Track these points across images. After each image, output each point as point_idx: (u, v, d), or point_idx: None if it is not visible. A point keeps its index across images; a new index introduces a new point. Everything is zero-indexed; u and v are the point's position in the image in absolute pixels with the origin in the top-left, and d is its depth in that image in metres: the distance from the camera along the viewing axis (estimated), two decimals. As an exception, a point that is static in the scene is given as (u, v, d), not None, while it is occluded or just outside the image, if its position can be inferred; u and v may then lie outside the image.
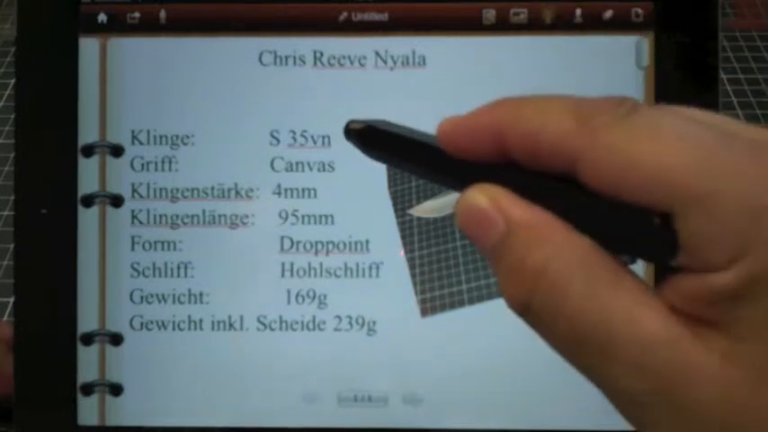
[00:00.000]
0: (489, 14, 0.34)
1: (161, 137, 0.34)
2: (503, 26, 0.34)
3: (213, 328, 0.34)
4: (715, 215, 0.15)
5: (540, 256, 0.17)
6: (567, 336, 0.17)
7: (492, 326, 0.34)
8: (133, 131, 0.34)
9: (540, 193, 0.18)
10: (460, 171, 0.19)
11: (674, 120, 0.17)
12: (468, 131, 0.19)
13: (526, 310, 0.18)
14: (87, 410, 0.34)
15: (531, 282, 0.17)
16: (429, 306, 0.34)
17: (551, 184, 0.18)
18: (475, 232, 0.18)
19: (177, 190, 0.34)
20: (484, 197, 0.18)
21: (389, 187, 0.34)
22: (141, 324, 0.34)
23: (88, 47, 0.34)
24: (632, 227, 0.17)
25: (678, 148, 0.16)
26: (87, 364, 0.34)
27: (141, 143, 0.34)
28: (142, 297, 0.34)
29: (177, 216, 0.34)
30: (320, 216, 0.34)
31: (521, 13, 0.34)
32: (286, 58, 0.34)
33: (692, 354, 0.16)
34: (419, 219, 0.34)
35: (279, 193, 0.34)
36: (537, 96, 0.19)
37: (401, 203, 0.34)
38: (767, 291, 0.15)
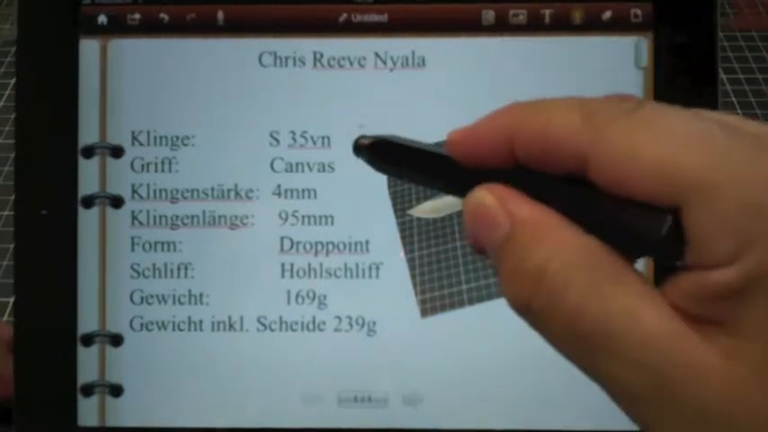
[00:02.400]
0: (488, 15, 0.34)
1: (161, 138, 0.34)
2: (502, 27, 0.34)
3: (213, 329, 0.34)
4: (718, 210, 0.15)
5: (541, 256, 0.17)
6: (567, 333, 0.17)
7: (492, 326, 0.34)
8: (133, 132, 0.34)
9: (547, 193, 0.18)
10: (471, 179, 0.19)
11: (679, 115, 0.17)
12: (477, 138, 0.19)
13: (527, 309, 0.18)
14: (87, 411, 0.34)
15: (531, 282, 0.17)
16: (429, 306, 0.34)
17: (558, 183, 0.18)
18: (481, 231, 0.19)
19: (177, 191, 0.34)
20: (490, 196, 0.18)
21: (389, 188, 0.34)
22: (141, 325, 0.34)
23: (88, 48, 0.34)
24: (640, 224, 0.17)
25: (682, 142, 0.16)
26: (87, 364, 0.34)
27: (141, 144, 0.34)
28: (142, 298, 0.34)
29: (177, 217, 0.34)
30: (320, 216, 0.34)
31: (520, 14, 0.34)
32: (286, 59, 0.34)
33: (693, 351, 0.16)
34: (419, 219, 0.34)
35: (279, 194, 0.34)
36: (543, 99, 0.19)
37: (401, 204, 0.34)
38: None
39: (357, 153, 0.21)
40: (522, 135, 0.18)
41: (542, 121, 0.18)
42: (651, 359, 0.16)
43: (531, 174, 0.18)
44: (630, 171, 0.16)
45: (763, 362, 0.15)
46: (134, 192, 0.34)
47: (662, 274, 0.17)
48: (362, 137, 0.21)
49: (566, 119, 0.18)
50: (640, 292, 0.17)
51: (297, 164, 0.34)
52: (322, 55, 0.34)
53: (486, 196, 0.18)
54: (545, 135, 0.18)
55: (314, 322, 0.34)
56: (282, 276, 0.34)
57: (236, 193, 0.34)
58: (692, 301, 0.16)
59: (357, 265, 0.34)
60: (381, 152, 0.21)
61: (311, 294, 0.34)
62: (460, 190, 0.20)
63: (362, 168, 0.34)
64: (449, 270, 0.34)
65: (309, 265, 0.34)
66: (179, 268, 0.34)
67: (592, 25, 0.34)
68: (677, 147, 0.16)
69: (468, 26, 0.34)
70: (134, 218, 0.34)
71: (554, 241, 0.17)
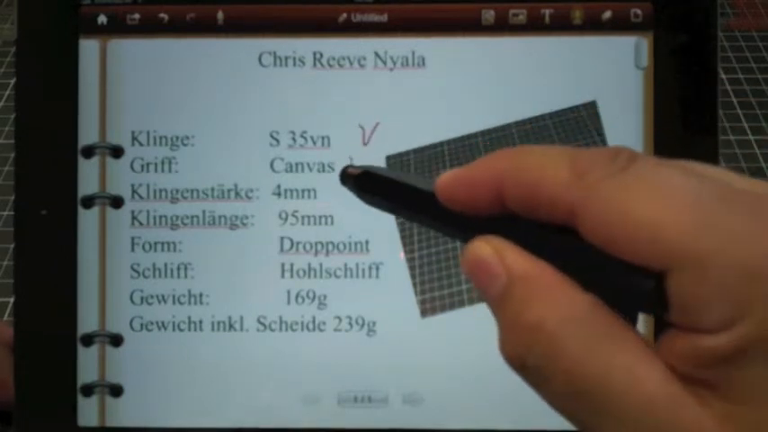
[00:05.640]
0: (488, 15, 0.34)
1: (161, 138, 0.34)
2: (502, 27, 0.34)
3: (213, 329, 0.34)
4: (709, 277, 0.15)
5: (537, 312, 0.17)
6: (564, 391, 0.17)
7: (492, 326, 0.33)
8: (133, 132, 0.34)
9: (539, 246, 0.18)
10: (460, 222, 0.19)
11: (672, 174, 0.17)
12: (466, 184, 0.19)
13: (523, 366, 0.17)
14: (87, 411, 0.34)
15: (527, 338, 0.17)
16: (429, 306, 0.34)
17: (550, 236, 0.18)
18: (480, 282, 0.18)
19: (177, 191, 0.34)
20: (489, 248, 0.18)
21: (389, 188, 0.34)
22: (141, 325, 0.34)
23: (88, 48, 0.34)
24: (626, 282, 0.16)
25: (674, 205, 0.16)
26: (87, 365, 0.34)
27: (141, 144, 0.34)
28: (142, 298, 0.34)
29: (177, 217, 0.34)
30: (320, 217, 0.34)
31: (520, 14, 0.34)
32: (286, 59, 0.34)
33: (689, 416, 0.16)
34: (419, 219, 0.34)
35: (279, 194, 0.34)
36: (535, 147, 0.19)
37: (401, 204, 0.34)
38: (764, 354, 0.15)
39: (344, 183, 0.21)
40: (512, 185, 0.18)
41: (533, 173, 0.18)
42: (650, 423, 0.16)
43: (520, 223, 0.18)
44: (619, 231, 0.16)
45: (757, 426, 0.15)
46: (134, 192, 0.34)
47: (659, 330, 0.17)
48: (350, 167, 0.21)
49: (556, 175, 0.18)
50: (638, 352, 0.16)
51: (297, 164, 0.34)
52: (322, 55, 0.34)
53: (484, 248, 0.18)
54: (535, 188, 0.18)
55: (314, 322, 0.34)
56: (282, 276, 0.34)
57: (236, 193, 0.34)
58: (686, 363, 0.16)
59: (357, 265, 0.34)
60: (368, 184, 0.21)
61: (311, 294, 0.34)
62: (448, 231, 0.20)
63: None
64: (449, 270, 0.34)
65: (309, 265, 0.34)
66: (179, 268, 0.34)
67: (592, 25, 0.34)
68: (666, 209, 0.16)
69: (469, 26, 0.34)
70: (134, 218, 0.34)
71: (551, 297, 0.17)
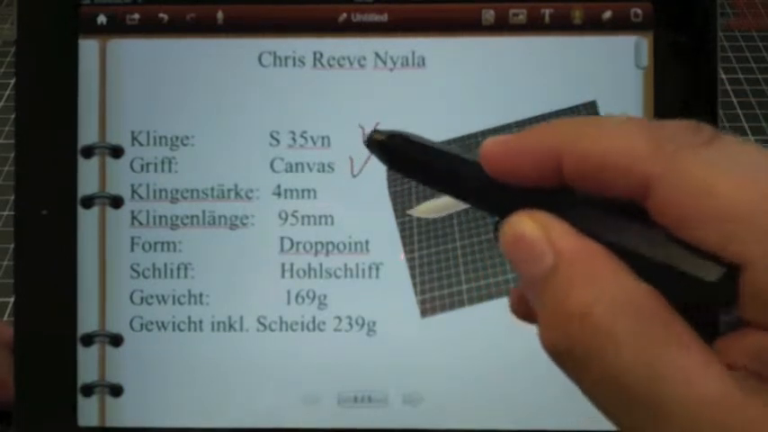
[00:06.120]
0: (488, 15, 0.34)
1: (161, 138, 0.34)
2: (502, 27, 0.34)
3: (213, 329, 0.34)
4: None
5: (585, 298, 0.16)
6: (611, 391, 0.16)
7: (492, 326, 0.34)
8: (133, 132, 0.34)
9: (594, 223, 0.16)
10: (501, 194, 0.17)
11: (758, 156, 0.16)
12: (518, 152, 0.17)
13: (564, 355, 0.16)
14: (87, 411, 0.34)
15: (572, 325, 0.16)
16: (429, 306, 0.34)
17: (608, 213, 0.16)
18: (520, 262, 0.17)
19: (177, 191, 0.34)
20: (534, 224, 0.17)
21: (389, 188, 0.34)
22: (141, 325, 0.34)
23: (88, 48, 0.34)
24: (693, 270, 0.15)
25: (759, 188, 0.15)
26: (87, 365, 0.34)
27: (141, 144, 0.34)
28: (142, 298, 0.34)
29: (177, 217, 0.34)
30: (320, 217, 0.34)
31: (520, 14, 0.34)
32: (286, 59, 0.34)
33: (754, 414, 0.15)
34: (419, 219, 0.34)
35: (279, 194, 0.34)
36: (602, 117, 0.18)
37: (401, 204, 0.34)
38: None
39: (370, 148, 0.20)
40: (575, 155, 0.17)
41: (603, 142, 0.16)
42: (708, 424, 0.15)
43: (574, 197, 0.17)
44: (697, 210, 0.15)
45: None
46: (134, 192, 0.34)
47: (718, 326, 0.16)
48: (377, 131, 0.20)
49: (631, 143, 0.16)
50: (694, 351, 0.15)
51: (297, 164, 0.34)
52: (322, 55, 0.34)
53: (527, 223, 0.17)
54: (604, 158, 0.16)
55: (314, 322, 0.34)
56: (282, 276, 0.34)
57: (236, 193, 0.34)
58: (755, 361, 0.15)
59: (357, 265, 0.34)
60: (398, 150, 0.19)
61: (311, 294, 0.34)
62: (488, 204, 0.18)
63: (362, 168, 0.34)
64: (449, 270, 0.34)
65: (309, 265, 0.34)
66: (179, 268, 0.34)
67: (592, 25, 0.34)
68: (756, 194, 0.15)
69: (469, 26, 0.34)
70: (134, 218, 0.34)
71: (601, 282, 0.16)
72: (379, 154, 0.20)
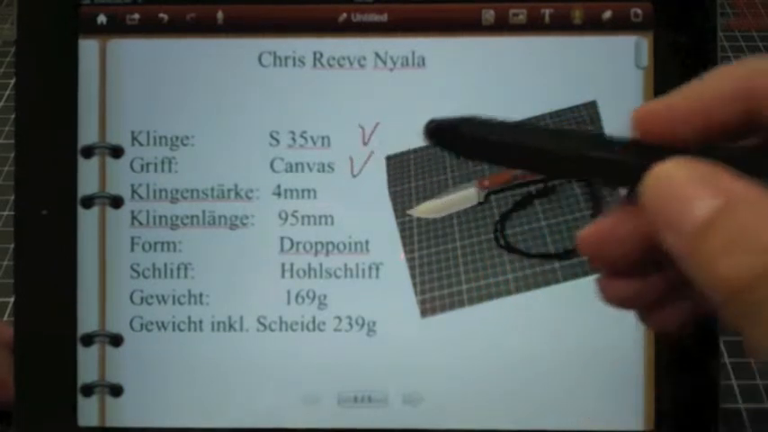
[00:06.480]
0: (488, 15, 0.34)
1: (161, 138, 0.34)
2: (502, 27, 0.34)
3: (213, 329, 0.34)
4: None
5: None
6: None
7: (492, 326, 0.34)
8: (133, 132, 0.34)
9: (750, 168, 0.16)
10: (640, 154, 0.16)
11: None
12: (699, 99, 0.17)
13: (747, 294, 0.15)
14: (87, 411, 0.34)
15: (763, 261, 0.15)
16: (429, 306, 0.34)
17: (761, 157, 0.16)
18: (674, 206, 0.16)
19: (177, 191, 0.34)
20: (694, 168, 0.16)
21: (389, 188, 0.34)
22: (141, 325, 0.34)
23: (88, 48, 0.34)
24: None
25: None
26: (87, 365, 0.34)
27: (141, 144, 0.34)
28: (142, 298, 0.34)
29: (177, 217, 0.34)
30: (320, 217, 0.34)
31: (520, 14, 0.34)
32: (286, 59, 0.34)
33: None
34: (419, 219, 0.34)
35: (279, 194, 0.34)
36: None
37: (401, 204, 0.34)
38: None
39: (432, 140, 0.19)
40: None
41: None
42: None
43: (726, 151, 0.16)
44: None
45: None
46: (134, 192, 0.34)
47: None
48: (435, 120, 0.19)
49: None
50: None
51: (297, 164, 0.34)
52: (322, 55, 0.34)
53: (681, 169, 0.16)
54: None
55: (314, 322, 0.34)
56: (282, 276, 0.34)
57: (236, 193, 0.34)
58: None
59: (357, 265, 0.34)
60: (468, 137, 0.18)
61: (311, 294, 0.34)
62: (602, 170, 0.17)
63: (362, 168, 0.34)
64: (449, 270, 0.34)
65: (309, 265, 0.34)
66: (179, 268, 0.34)
67: (592, 25, 0.34)
68: None
69: (469, 26, 0.34)
70: (134, 218, 0.34)
71: None
72: (451, 143, 0.19)
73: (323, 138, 0.34)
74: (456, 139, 0.19)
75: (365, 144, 0.34)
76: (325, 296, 0.34)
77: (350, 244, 0.34)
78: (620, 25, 0.34)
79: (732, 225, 0.15)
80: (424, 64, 0.34)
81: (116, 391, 0.34)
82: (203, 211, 0.34)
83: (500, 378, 0.34)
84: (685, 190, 0.16)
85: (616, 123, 0.34)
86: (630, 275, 0.17)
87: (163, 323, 0.34)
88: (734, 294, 0.15)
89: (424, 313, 0.34)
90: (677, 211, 0.16)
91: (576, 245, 0.17)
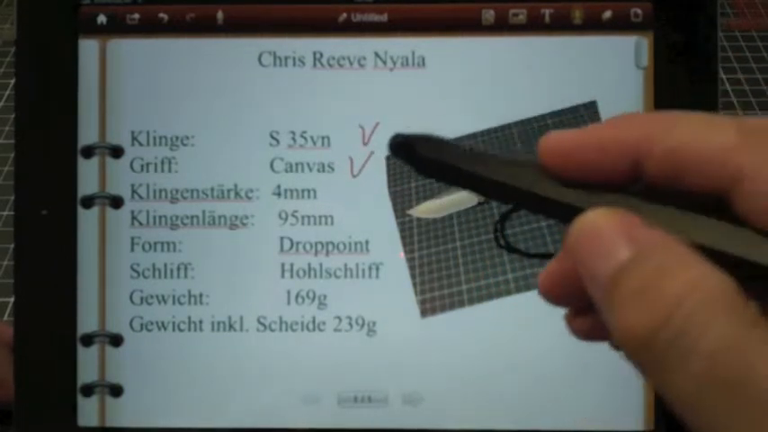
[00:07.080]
0: (488, 15, 0.34)
1: (161, 138, 0.34)
2: (502, 27, 0.34)
3: (213, 329, 0.34)
4: None
5: (679, 284, 0.15)
6: (701, 377, 0.15)
7: (492, 326, 0.34)
8: (133, 132, 0.34)
9: (674, 219, 0.16)
10: (562, 194, 0.17)
11: None
12: (591, 147, 0.17)
13: (648, 343, 0.16)
14: (87, 411, 0.34)
15: (663, 311, 0.15)
16: (429, 306, 0.34)
17: (689, 208, 0.16)
18: (591, 255, 0.17)
19: (177, 191, 0.34)
20: (611, 218, 0.16)
21: (389, 188, 0.34)
22: (141, 325, 0.34)
23: (88, 48, 0.34)
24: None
25: None
26: (87, 365, 0.34)
27: (141, 144, 0.34)
28: (142, 298, 0.34)
29: (177, 217, 0.34)
30: (320, 217, 0.34)
31: (520, 14, 0.34)
32: (285, 58, 0.34)
33: None
34: (419, 219, 0.34)
35: (278, 194, 0.34)
36: (682, 112, 0.17)
37: (401, 204, 0.34)
38: None
39: (396, 154, 0.19)
40: (661, 148, 0.16)
41: (691, 135, 0.16)
42: None
43: (646, 194, 0.16)
44: None
45: None
46: (134, 192, 0.34)
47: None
48: (400, 135, 0.19)
49: (722, 135, 0.16)
50: None
51: (297, 164, 0.34)
52: (322, 55, 0.34)
53: (602, 218, 0.16)
54: (691, 151, 0.16)
55: (314, 322, 0.34)
56: (282, 276, 0.34)
57: (236, 193, 0.34)
58: None
59: (357, 265, 0.34)
60: (428, 154, 0.19)
61: (311, 294, 0.34)
62: (546, 208, 0.17)
63: (362, 168, 0.34)
64: (449, 270, 0.34)
65: (309, 265, 0.34)
66: (179, 268, 0.34)
67: (592, 25, 0.34)
68: None
69: (469, 26, 0.34)
70: (134, 218, 0.34)
71: (693, 273, 0.15)
72: (408, 159, 0.19)
73: (323, 138, 0.34)
74: (412, 157, 0.19)
75: (365, 144, 0.34)
76: (325, 296, 0.34)
77: (350, 244, 0.34)
78: (620, 25, 0.34)
79: (640, 275, 0.16)
80: (424, 64, 0.34)
81: (116, 391, 0.34)
82: (203, 211, 0.34)
83: (500, 378, 0.34)
84: (602, 240, 0.16)
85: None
86: (592, 311, 0.17)
87: (163, 323, 0.34)
88: (636, 345, 0.16)
89: (424, 313, 0.34)
90: (594, 261, 0.16)
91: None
